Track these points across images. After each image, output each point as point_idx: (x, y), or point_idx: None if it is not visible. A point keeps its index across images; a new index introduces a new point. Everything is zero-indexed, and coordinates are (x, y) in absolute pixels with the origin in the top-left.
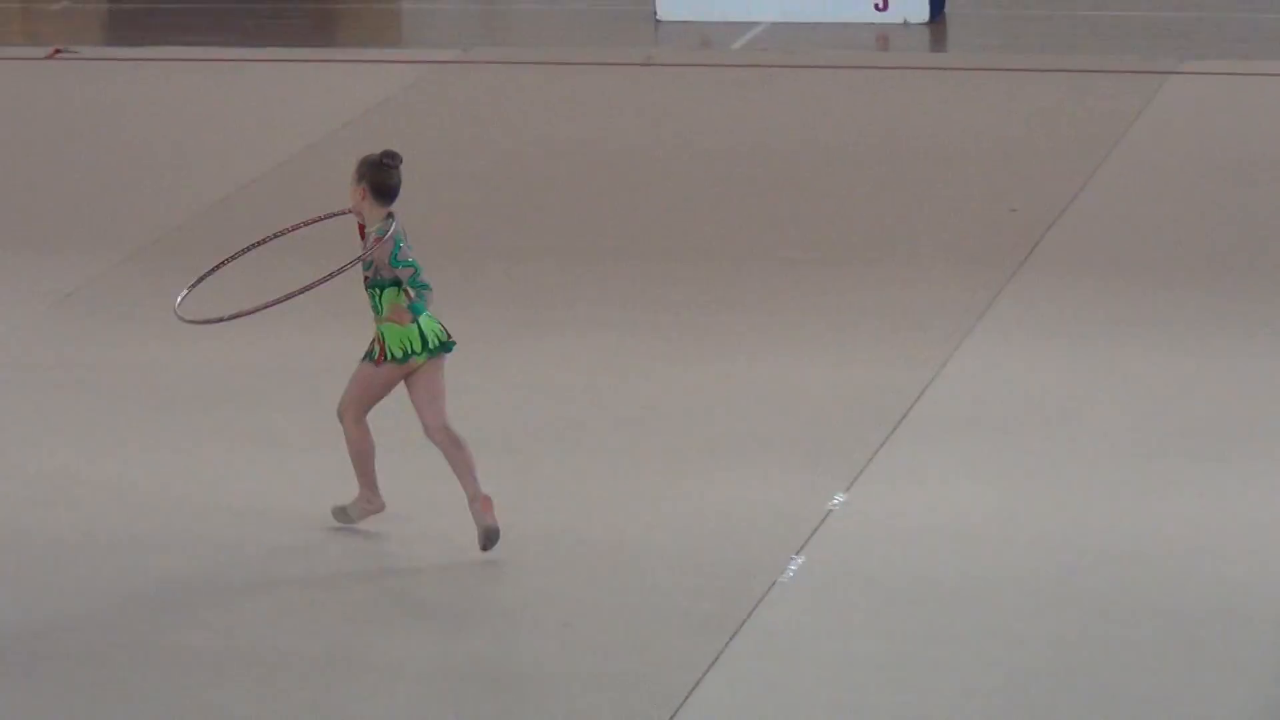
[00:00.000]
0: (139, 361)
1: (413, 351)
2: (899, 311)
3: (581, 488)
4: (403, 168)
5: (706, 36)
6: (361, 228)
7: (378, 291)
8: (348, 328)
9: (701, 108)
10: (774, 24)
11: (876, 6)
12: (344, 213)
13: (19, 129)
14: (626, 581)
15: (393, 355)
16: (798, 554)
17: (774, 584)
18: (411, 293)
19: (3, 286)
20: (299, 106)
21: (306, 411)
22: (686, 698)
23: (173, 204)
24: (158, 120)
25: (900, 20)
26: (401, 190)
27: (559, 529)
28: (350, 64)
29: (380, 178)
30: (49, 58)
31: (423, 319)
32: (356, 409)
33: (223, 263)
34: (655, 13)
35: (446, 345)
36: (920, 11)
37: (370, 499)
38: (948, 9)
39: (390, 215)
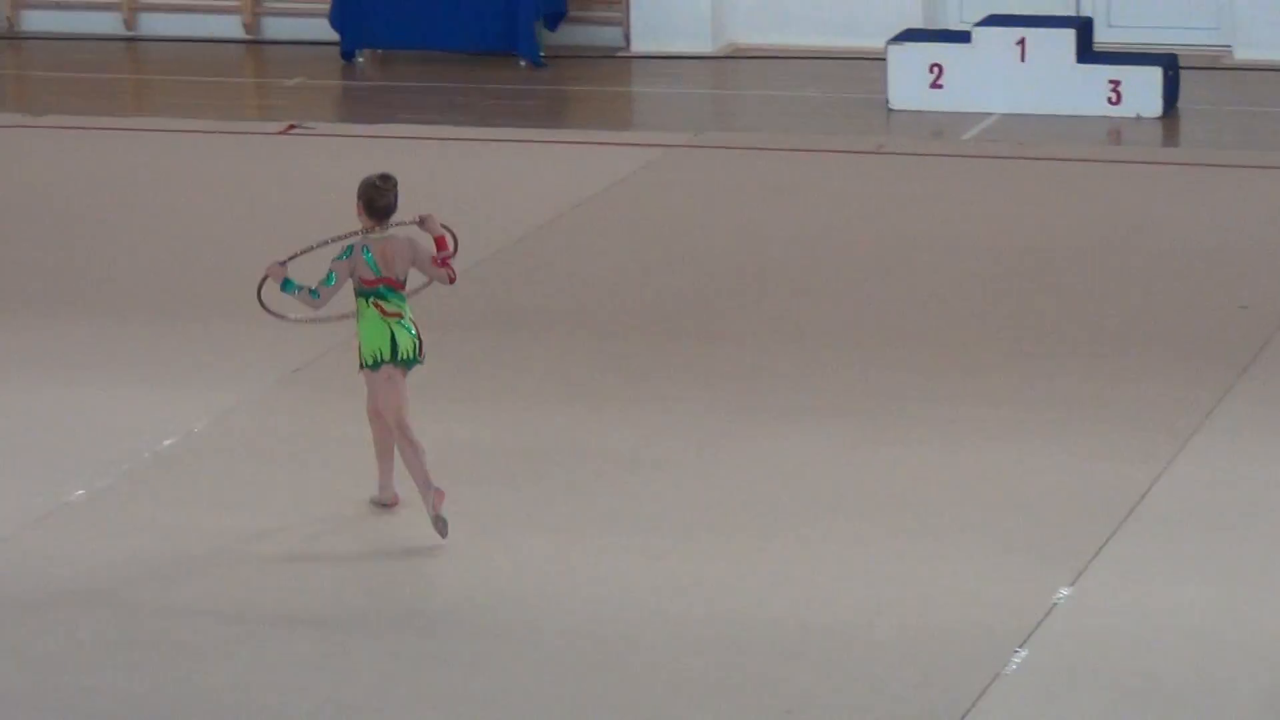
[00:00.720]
0: (358, 436)
1: (382, 359)
2: (1127, 406)
3: (803, 573)
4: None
5: (938, 126)
6: (441, 240)
7: (365, 300)
8: (575, 412)
9: (931, 197)
10: (1005, 115)
11: (1109, 100)
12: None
13: (253, 203)
14: (847, 669)
15: (364, 363)
16: (1021, 647)
17: (996, 677)
18: (306, 289)
19: (235, 358)
20: (530, 187)
21: (535, 492)
22: None
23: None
24: None
25: (1133, 114)
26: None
27: (781, 614)
28: (581, 146)
29: (371, 196)
30: (283, 133)
31: (400, 334)
32: (369, 411)
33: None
34: (887, 101)
35: (409, 361)
36: (1153, 105)
37: (384, 487)
38: (1181, 103)
39: (377, 230)
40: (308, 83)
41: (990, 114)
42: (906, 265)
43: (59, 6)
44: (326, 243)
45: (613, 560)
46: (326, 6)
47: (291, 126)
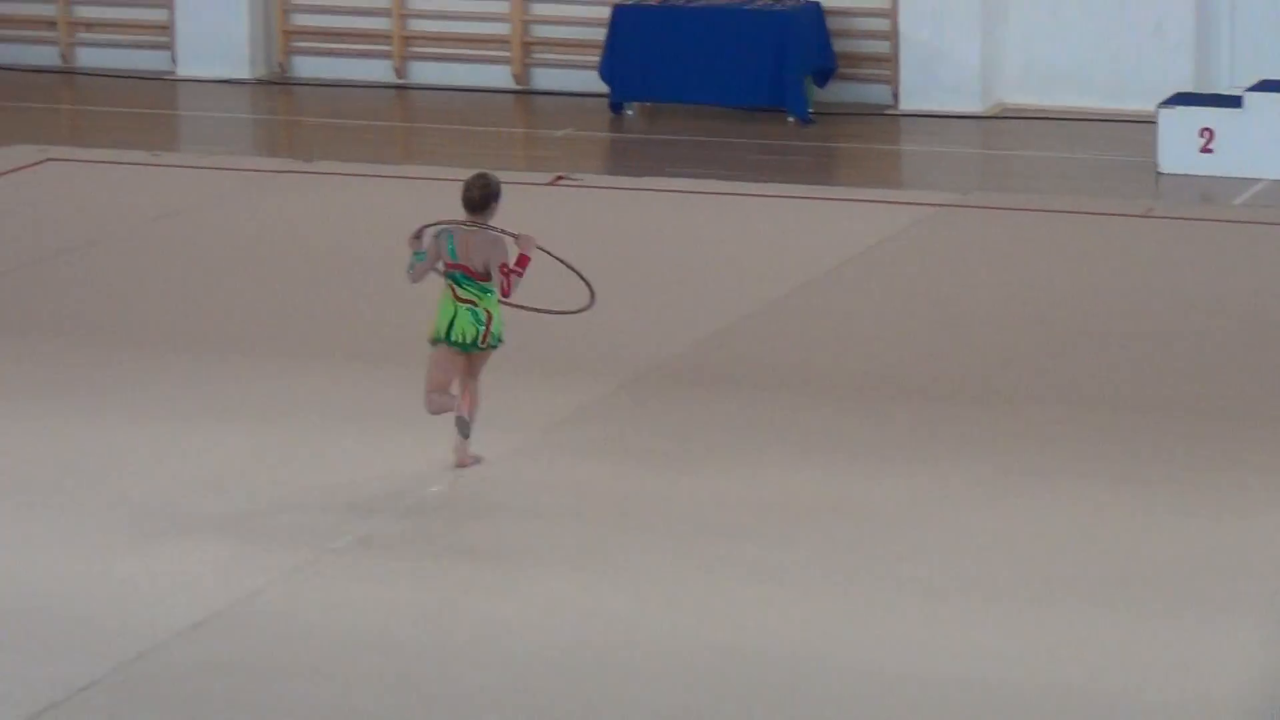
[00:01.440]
0: (628, 490)
1: (439, 337)
2: None
3: (1081, 643)
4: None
5: (1208, 191)
6: (524, 259)
7: (446, 281)
8: (843, 468)
9: (1200, 262)
10: (1276, 181)
11: None
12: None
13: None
14: None
15: (430, 337)
16: None
17: None
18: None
19: (499, 413)
20: (797, 243)
21: (808, 549)
22: None
23: (668, 334)
24: (655, 249)
25: None
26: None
27: (1060, 682)
28: (849, 203)
29: (463, 191)
30: (551, 184)
31: (462, 319)
32: (427, 385)
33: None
34: (1157, 165)
35: (463, 345)
36: None
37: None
38: None
39: (470, 222)
40: (576, 134)
41: (1261, 179)
42: (1175, 329)
43: (330, 53)
44: (447, 223)
45: (890, 618)
46: (595, 59)
47: (560, 178)
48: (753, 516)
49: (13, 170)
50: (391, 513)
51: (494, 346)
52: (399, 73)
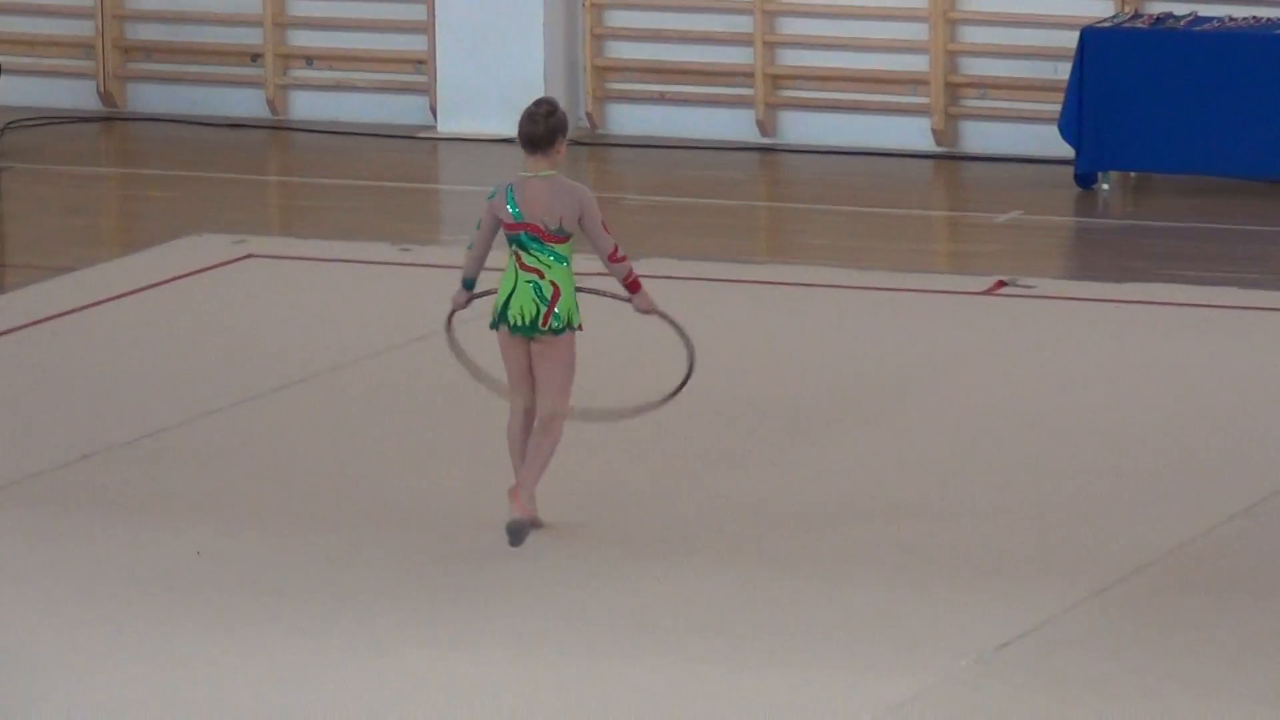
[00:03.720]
0: None
1: (496, 320)
2: None
3: None
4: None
5: None
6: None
7: (509, 248)
8: None
9: None
10: None
11: None
12: None
13: (940, 399)
14: None
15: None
16: None
17: None
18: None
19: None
20: None
21: None
22: None
23: (1180, 518)
24: (1146, 387)
25: None
26: None
27: None
28: None
29: (519, 122)
30: (989, 292)
31: (521, 295)
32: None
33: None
34: None
35: (522, 329)
36: None
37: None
38: None
39: (530, 167)
40: (1025, 219)
41: None
42: None
43: (650, 99)
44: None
45: None
46: (1053, 108)
47: (1001, 283)
48: None
49: (196, 272)
50: None
51: (559, 331)
52: (764, 129)
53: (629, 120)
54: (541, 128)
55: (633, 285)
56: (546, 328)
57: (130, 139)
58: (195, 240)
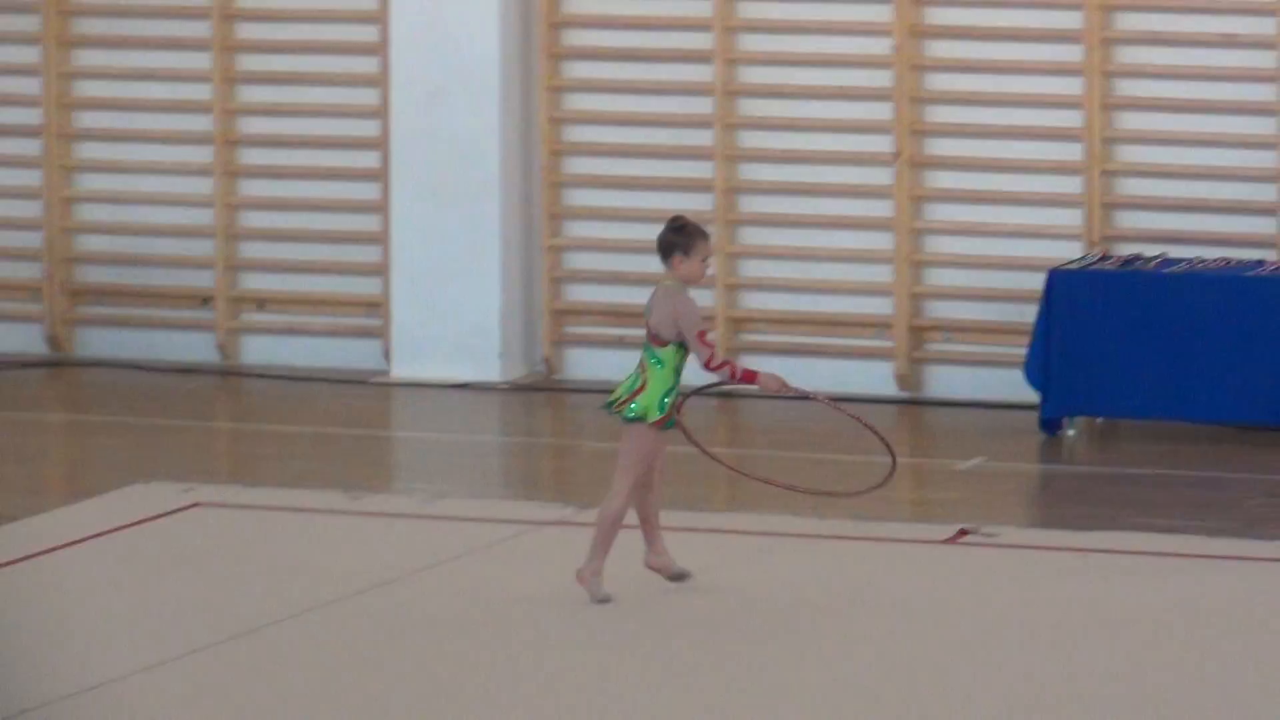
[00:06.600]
0: None
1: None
2: None
3: None
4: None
5: None
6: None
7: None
8: None
9: None
10: None
11: None
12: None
13: (901, 644)
14: None
15: None
16: None
17: None
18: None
19: None
20: None
21: None
22: None
23: None
24: (1119, 648)
25: None
26: None
27: None
28: None
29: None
30: (950, 541)
31: (626, 383)
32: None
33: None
34: None
35: (608, 405)
36: None
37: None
38: None
39: (663, 281)
40: (989, 465)
41: None
42: None
43: (606, 342)
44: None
45: None
46: (1017, 351)
47: (963, 531)
48: None
49: (142, 521)
50: None
51: (630, 420)
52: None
53: (587, 364)
54: (662, 239)
55: (746, 377)
56: (620, 412)
57: (78, 385)
58: (142, 489)
